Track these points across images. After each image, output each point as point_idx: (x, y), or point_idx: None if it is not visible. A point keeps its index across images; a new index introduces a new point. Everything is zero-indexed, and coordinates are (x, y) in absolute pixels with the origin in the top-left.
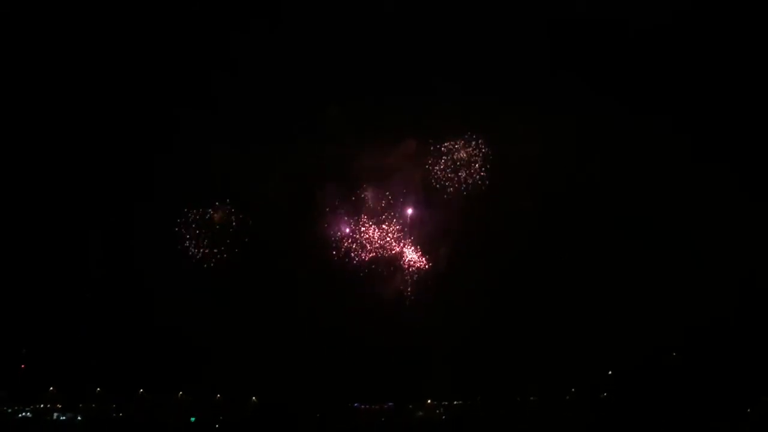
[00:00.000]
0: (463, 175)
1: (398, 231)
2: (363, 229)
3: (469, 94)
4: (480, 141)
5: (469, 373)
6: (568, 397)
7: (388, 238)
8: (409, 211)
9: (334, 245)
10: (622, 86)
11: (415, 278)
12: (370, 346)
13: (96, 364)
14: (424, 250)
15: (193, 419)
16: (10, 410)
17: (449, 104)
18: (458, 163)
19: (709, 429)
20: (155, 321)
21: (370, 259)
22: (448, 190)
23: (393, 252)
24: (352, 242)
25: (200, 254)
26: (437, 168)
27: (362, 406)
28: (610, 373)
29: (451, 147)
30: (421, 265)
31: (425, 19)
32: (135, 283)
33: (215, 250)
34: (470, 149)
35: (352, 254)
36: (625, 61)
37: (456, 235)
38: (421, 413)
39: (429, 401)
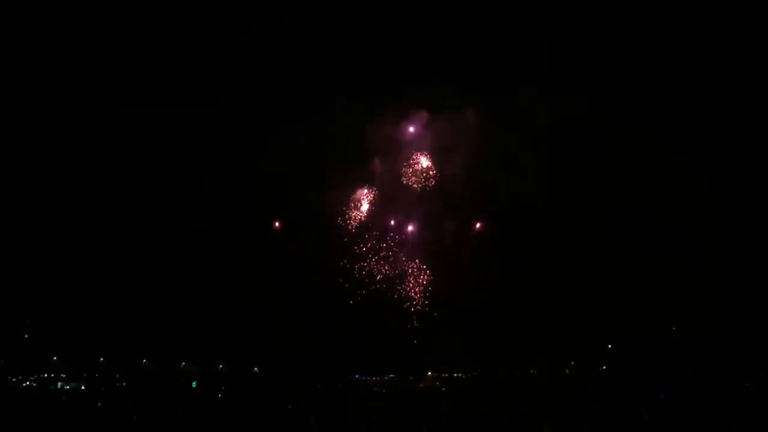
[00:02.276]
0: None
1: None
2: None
3: (469, 92)
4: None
5: (470, 346)
6: (567, 371)
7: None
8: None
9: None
10: (621, 85)
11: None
12: (372, 318)
13: (99, 334)
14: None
15: (194, 384)
16: (14, 379)
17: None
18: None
19: (707, 404)
20: (158, 292)
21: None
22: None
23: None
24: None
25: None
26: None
27: (363, 378)
28: (609, 347)
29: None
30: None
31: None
32: (137, 256)
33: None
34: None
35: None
36: (625, 60)
37: (460, 216)
38: (422, 385)
39: (430, 374)
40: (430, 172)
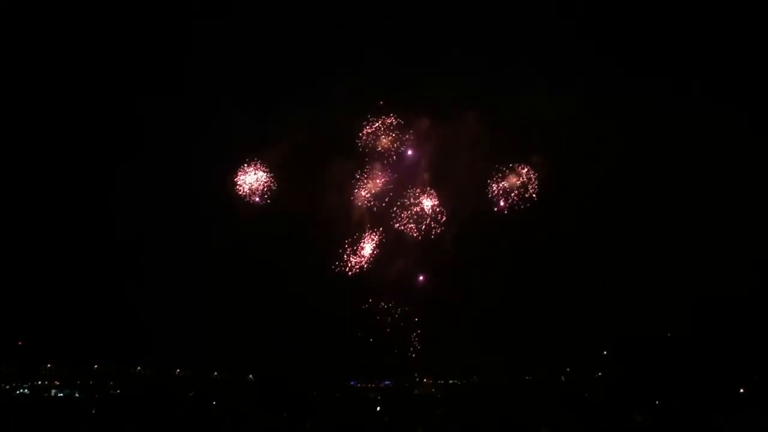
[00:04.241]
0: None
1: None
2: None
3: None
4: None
5: (465, 352)
6: (563, 378)
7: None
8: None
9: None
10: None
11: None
12: (368, 324)
13: (93, 341)
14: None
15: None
16: (8, 387)
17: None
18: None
19: (703, 408)
20: (152, 299)
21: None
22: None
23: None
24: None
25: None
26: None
27: (358, 384)
28: (605, 353)
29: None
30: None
31: None
32: (132, 260)
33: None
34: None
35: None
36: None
37: (459, 222)
38: (417, 392)
39: (425, 380)
40: (438, 216)
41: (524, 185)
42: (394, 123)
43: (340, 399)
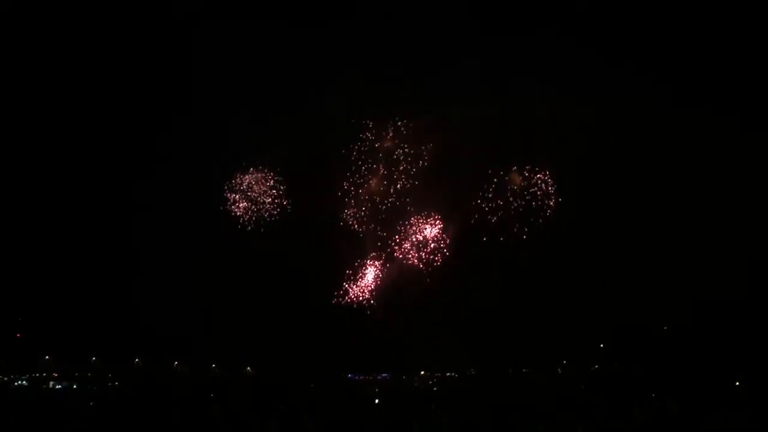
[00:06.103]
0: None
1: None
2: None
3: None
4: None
5: (463, 345)
6: (560, 370)
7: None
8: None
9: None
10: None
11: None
12: (365, 317)
13: (92, 333)
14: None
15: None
16: (6, 379)
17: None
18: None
19: (703, 408)
20: (151, 292)
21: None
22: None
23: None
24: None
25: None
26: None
27: (356, 377)
28: (601, 346)
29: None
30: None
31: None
32: (132, 254)
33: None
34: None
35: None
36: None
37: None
38: (415, 385)
39: (423, 372)
40: (441, 244)
41: (540, 204)
42: (395, 125)
43: (338, 392)
